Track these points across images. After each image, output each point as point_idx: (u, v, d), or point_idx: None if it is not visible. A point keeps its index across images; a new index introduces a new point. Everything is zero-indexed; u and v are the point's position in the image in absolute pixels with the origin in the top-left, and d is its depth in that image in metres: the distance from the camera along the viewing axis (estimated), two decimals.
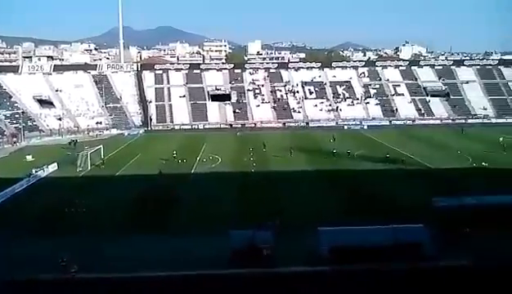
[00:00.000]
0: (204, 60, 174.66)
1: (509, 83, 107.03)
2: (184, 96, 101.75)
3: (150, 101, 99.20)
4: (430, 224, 29.34)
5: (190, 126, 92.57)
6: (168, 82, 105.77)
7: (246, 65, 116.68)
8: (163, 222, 33.85)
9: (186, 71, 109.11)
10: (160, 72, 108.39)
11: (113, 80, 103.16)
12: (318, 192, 42.01)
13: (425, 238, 27.10)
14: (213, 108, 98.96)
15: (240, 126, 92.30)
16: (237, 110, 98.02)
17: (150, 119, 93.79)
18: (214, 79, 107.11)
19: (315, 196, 40.65)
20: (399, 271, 24.45)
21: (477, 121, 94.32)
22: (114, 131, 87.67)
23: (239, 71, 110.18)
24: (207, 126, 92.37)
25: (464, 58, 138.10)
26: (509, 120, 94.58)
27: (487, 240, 28.22)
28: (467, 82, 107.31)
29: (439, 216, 31.57)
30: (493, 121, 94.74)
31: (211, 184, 45.82)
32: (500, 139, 64.69)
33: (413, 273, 24.11)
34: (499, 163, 52.48)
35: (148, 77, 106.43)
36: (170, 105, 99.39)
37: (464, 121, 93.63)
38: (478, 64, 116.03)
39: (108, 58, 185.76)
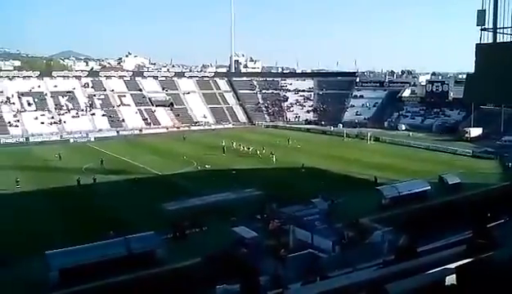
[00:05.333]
0: None
1: (224, 93, 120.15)
2: None
3: None
4: (162, 228, 30.13)
5: None
6: None
7: None
8: None
9: None
10: None
11: None
12: (42, 213, 38.04)
13: (157, 243, 27.56)
14: None
15: None
16: None
17: None
18: None
19: (38, 218, 36.62)
20: (132, 281, 23.97)
21: (199, 128, 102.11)
22: None
23: None
24: None
25: (184, 70, 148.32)
26: (226, 125, 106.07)
27: (212, 235, 30.52)
28: (188, 93, 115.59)
29: (170, 220, 32.63)
30: (213, 127, 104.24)
31: None
32: (221, 143, 71.45)
33: (145, 281, 23.99)
34: (220, 164, 58.06)
35: None
36: None
37: (188, 128, 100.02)
38: (197, 76, 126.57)
39: None
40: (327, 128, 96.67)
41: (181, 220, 32.61)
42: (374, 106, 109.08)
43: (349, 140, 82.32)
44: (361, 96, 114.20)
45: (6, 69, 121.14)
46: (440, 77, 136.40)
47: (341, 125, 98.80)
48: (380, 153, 67.39)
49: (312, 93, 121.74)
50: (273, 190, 41.13)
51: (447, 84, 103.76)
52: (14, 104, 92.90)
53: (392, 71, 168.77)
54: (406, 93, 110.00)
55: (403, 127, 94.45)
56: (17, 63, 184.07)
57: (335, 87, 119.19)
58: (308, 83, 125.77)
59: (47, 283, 24.22)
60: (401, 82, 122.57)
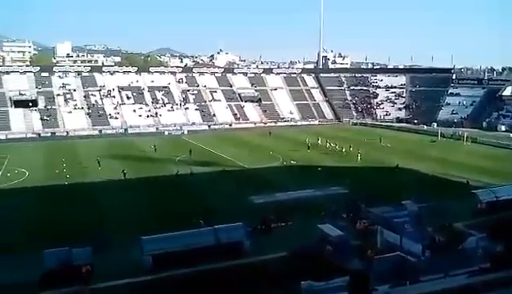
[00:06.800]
0: (4, 62, 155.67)
1: (311, 90, 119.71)
2: None
3: None
4: (249, 221, 30.83)
5: None
6: None
7: (55, 68, 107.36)
8: None
9: None
10: None
11: None
12: (139, 201, 40.51)
13: (244, 235, 28.24)
14: (16, 115, 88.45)
15: (49, 134, 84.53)
16: (45, 117, 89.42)
17: None
18: (17, 83, 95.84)
19: (136, 205, 39.10)
20: (221, 270, 24.85)
21: (285, 124, 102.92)
22: None
23: (46, 74, 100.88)
24: (10, 137, 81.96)
25: (272, 67, 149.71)
26: (312, 122, 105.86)
27: (297, 231, 30.64)
28: (276, 89, 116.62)
29: (257, 213, 33.27)
30: (299, 123, 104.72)
31: (17, 200, 40.70)
32: (306, 139, 71.40)
33: (234, 271, 24.73)
34: (305, 160, 57.99)
35: None
36: None
37: (274, 124, 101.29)
38: (285, 73, 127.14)
39: None
40: (420, 127, 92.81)
41: (268, 213, 33.12)
42: (471, 105, 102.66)
43: (444, 140, 78.23)
44: (458, 94, 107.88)
45: (108, 65, 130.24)
46: None
47: (435, 124, 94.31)
48: (477, 154, 63.28)
49: (404, 90, 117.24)
50: (360, 189, 40.32)
51: None
52: (114, 97, 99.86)
53: (491, 68, 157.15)
54: (507, 92, 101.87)
55: (503, 128, 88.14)
56: (118, 59, 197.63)
57: (429, 84, 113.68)
58: (400, 79, 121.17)
59: (141, 267, 25.67)
60: (502, 80, 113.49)
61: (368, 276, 17.31)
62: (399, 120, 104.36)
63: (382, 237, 27.65)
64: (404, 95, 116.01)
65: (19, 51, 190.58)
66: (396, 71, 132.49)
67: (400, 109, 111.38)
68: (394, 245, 26.03)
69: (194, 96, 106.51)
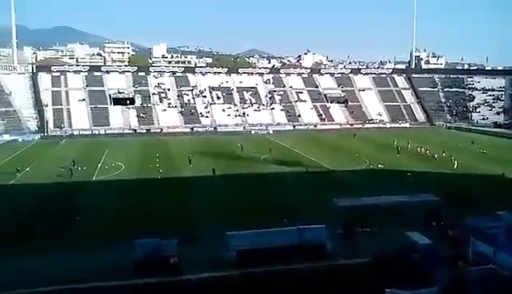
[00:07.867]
0: (105, 62, 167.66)
1: (402, 91, 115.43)
2: (84, 100, 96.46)
3: (47, 105, 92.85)
4: (332, 223, 30.58)
5: (90, 132, 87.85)
6: (67, 85, 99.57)
7: (151, 68, 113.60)
8: (60, 234, 31.54)
9: (86, 73, 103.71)
10: (58, 74, 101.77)
11: (5, 82, 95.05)
12: (226, 198, 41.73)
13: (327, 237, 28.10)
14: (115, 112, 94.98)
15: (144, 130, 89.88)
16: (142, 115, 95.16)
17: (47, 124, 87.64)
18: (117, 82, 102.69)
19: (223, 201, 40.35)
20: (304, 270, 24.95)
21: (373, 126, 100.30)
22: (7, 137, 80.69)
23: (143, 74, 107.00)
24: (109, 132, 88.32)
25: (360, 67, 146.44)
26: (402, 124, 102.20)
27: (382, 237, 29.86)
28: (364, 90, 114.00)
29: (340, 216, 32.90)
30: (388, 125, 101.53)
31: (113, 192, 43.89)
32: (395, 142, 69.22)
33: (316, 272, 24.71)
34: (393, 165, 56.21)
35: (44, 79, 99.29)
36: (68, 109, 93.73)
37: (361, 125, 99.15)
38: (374, 73, 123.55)
39: None
40: None
41: (352, 217, 32.60)
42: None
43: None
44: None
45: (200, 66, 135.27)
46: None
47: None
48: None
49: (503, 93, 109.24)
50: (453, 198, 38.27)
51: None
52: (205, 97, 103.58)
53: None
54: None
55: None
56: (209, 60, 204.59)
57: None
58: (499, 82, 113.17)
59: (226, 262, 26.40)
60: None
61: (464, 288, 16.57)
62: (497, 125, 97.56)
63: (474, 248, 26.19)
64: (503, 98, 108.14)
65: (118, 52, 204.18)
66: (494, 73, 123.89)
67: (498, 114, 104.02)
68: (487, 257, 24.56)
69: (280, 97, 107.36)
